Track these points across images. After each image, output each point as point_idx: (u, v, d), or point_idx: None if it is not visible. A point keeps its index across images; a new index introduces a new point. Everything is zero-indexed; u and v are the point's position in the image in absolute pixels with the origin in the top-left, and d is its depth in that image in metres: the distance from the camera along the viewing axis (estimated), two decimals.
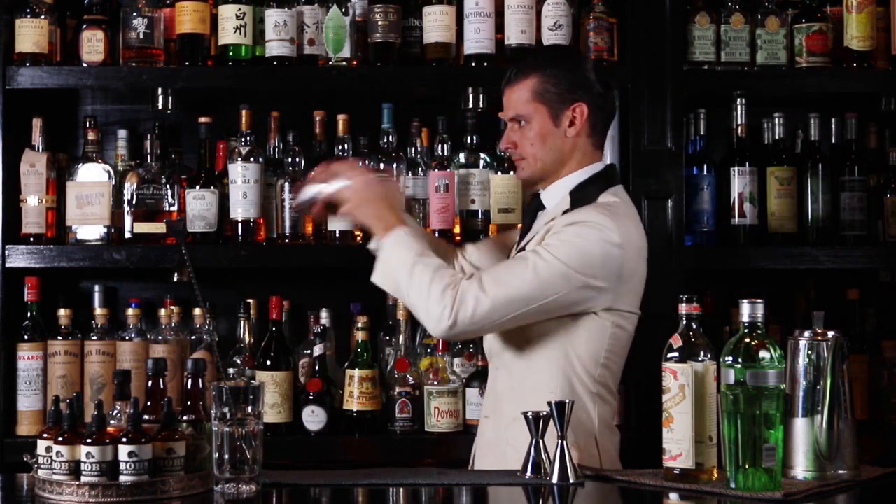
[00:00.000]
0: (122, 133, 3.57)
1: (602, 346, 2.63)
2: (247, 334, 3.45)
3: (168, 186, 3.36)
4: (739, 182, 3.44)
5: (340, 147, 3.40)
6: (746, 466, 2.20)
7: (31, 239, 3.33)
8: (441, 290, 2.52)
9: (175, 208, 3.36)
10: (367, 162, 3.32)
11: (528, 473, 2.35)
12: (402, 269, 2.57)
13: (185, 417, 2.27)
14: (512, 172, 3.27)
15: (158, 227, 3.31)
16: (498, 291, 2.52)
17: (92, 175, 3.36)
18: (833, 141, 3.57)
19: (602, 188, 2.70)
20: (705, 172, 3.46)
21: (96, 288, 3.51)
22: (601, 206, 2.65)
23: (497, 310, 2.52)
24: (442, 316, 2.51)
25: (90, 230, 3.34)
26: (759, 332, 2.24)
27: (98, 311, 3.39)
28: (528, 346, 2.65)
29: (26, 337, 3.32)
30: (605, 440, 2.66)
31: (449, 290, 2.52)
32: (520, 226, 3.17)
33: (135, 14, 3.33)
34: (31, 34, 3.32)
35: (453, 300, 2.51)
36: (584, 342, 2.62)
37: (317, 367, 3.34)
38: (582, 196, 2.68)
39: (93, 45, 3.33)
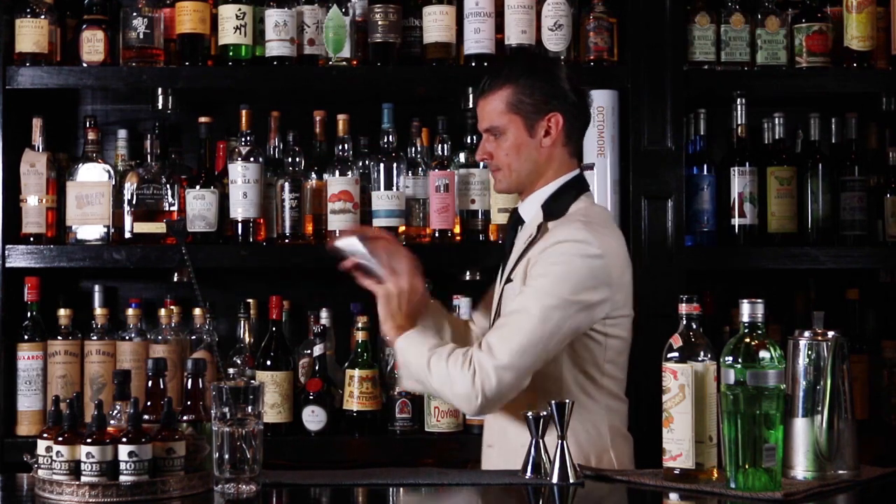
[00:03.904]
0: (122, 133, 3.57)
1: (602, 357, 2.62)
2: (247, 334, 3.45)
3: (168, 186, 3.36)
4: (739, 182, 3.44)
5: (340, 147, 3.40)
6: (746, 466, 2.20)
7: (31, 239, 3.33)
8: (459, 371, 2.50)
9: (175, 208, 3.36)
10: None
11: (528, 473, 2.35)
12: (420, 368, 2.56)
13: (185, 417, 2.27)
14: None
15: (158, 227, 3.32)
16: (510, 349, 2.50)
17: (92, 175, 3.36)
18: (833, 141, 3.57)
19: (574, 197, 2.69)
20: (705, 172, 3.46)
21: (96, 288, 3.51)
22: (576, 219, 2.64)
23: (516, 368, 2.50)
24: (470, 397, 2.49)
25: (90, 230, 3.34)
26: (759, 332, 2.23)
27: (98, 311, 3.39)
28: None
29: (26, 337, 3.32)
30: (619, 451, 2.65)
31: (465, 368, 2.50)
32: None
33: (135, 14, 3.33)
34: (31, 34, 3.32)
35: (473, 378, 2.49)
36: (582, 357, 2.61)
37: (317, 367, 3.34)
38: (554, 208, 2.67)
39: (93, 45, 3.33)
